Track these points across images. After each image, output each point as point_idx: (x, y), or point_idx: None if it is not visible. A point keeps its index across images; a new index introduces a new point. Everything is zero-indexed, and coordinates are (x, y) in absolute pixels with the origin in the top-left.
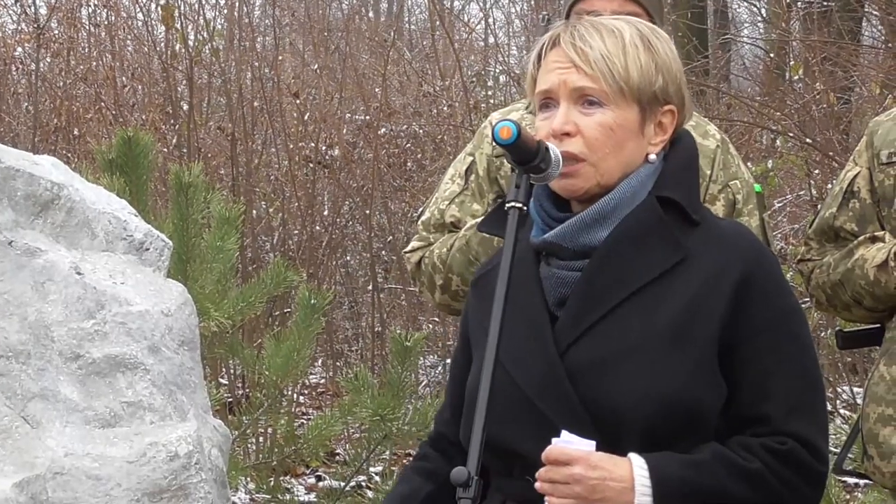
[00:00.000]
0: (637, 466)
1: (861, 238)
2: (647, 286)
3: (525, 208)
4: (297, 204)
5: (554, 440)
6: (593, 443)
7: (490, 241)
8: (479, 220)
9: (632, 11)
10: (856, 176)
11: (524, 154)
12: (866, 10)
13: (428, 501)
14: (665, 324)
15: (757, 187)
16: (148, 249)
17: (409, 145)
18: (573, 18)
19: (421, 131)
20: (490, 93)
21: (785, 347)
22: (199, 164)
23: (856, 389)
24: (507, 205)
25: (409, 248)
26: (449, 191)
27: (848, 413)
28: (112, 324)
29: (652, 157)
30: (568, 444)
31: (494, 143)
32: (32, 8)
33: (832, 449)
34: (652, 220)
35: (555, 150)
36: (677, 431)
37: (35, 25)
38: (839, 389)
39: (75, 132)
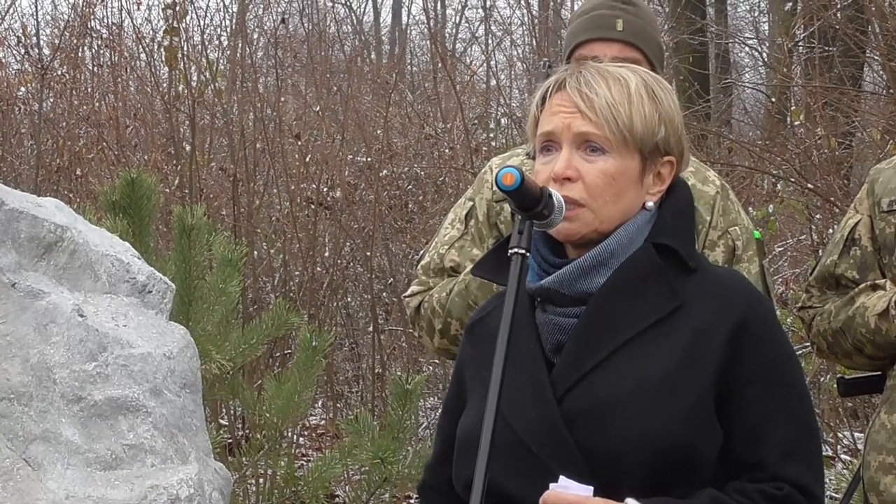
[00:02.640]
0: None
1: (862, 286)
2: (642, 333)
3: (528, 254)
4: (298, 245)
5: (551, 485)
6: (591, 488)
7: (489, 286)
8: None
9: (632, 58)
10: (857, 224)
11: (527, 200)
12: (868, 55)
13: None
14: (660, 371)
15: (756, 234)
16: (151, 292)
17: (410, 187)
18: (575, 64)
19: (422, 173)
20: (492, 135)
21: (779, 394)
22: (201, 205)
23: (857, 435)
24: (511, 251)
25: (408, 292)
26: (449, 235)
27: (849, 458)
28: (114, 366)
29: (649, 204)
30: (565, 489)
31: (496, 189)
32: (36, 48)
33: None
34: (649, 267)
35: (558, 196)
36: (673, 477)
37: (38, 65)
38: (840, 435)
39: (77, 172)
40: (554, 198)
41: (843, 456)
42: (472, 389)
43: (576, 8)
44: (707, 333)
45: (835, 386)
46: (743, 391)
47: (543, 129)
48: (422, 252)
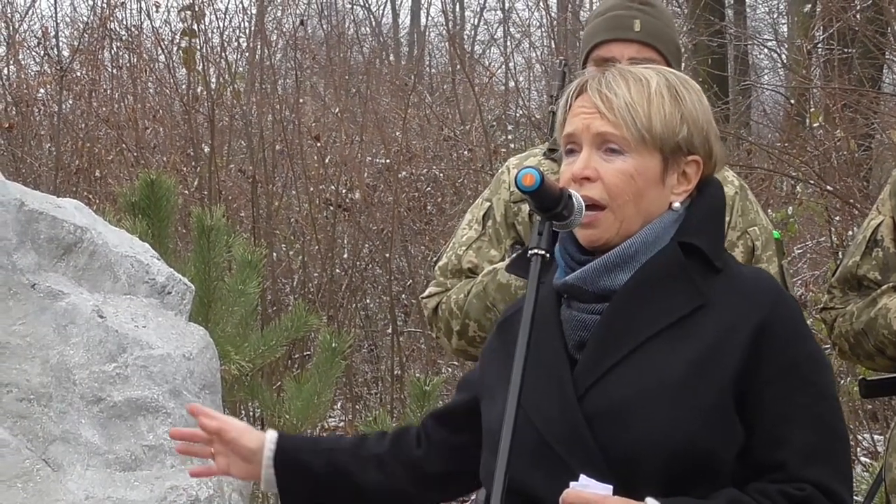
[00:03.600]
0: None
1: (884, 287)
2: (664, 331)
3: (547, 255)
4: (317, 247)
5: (571, 484)
6: (610, 487)
7: (507, 288)
8: (496, 265)
9: (649, 58)
10: (879, 225)
11: (547, 201)
12: (887, 57)
13: (374, 461)
14: (681, 369)
15: (776, 234)
16: (170, 293)
17: (429, 189)
18: (590, 66)
19: (441, 175)
20: (510, 137)
21: (801, 394)
22: (220, 207)
23: (876, 437)
24: (530, 252)
25: (426, 293)
26: (466, 236)
27: (868, 461)
28: (134, 367)
29: (676, 205)
30: (585, 487)
31: (514, 189)
32: (55, 50)
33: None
34: (673, 266)
35: (577, 197)
36: (693, 477)
37: (58, 67)
38: (859, 437)
39: (97, 174)
40: (574, 199)
41: (862, 458)
42: (498, 383)
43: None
44: (729, 332)
45: (854, 388)
46: (764, 391)
47: (566, 131)
48: (439, 253)
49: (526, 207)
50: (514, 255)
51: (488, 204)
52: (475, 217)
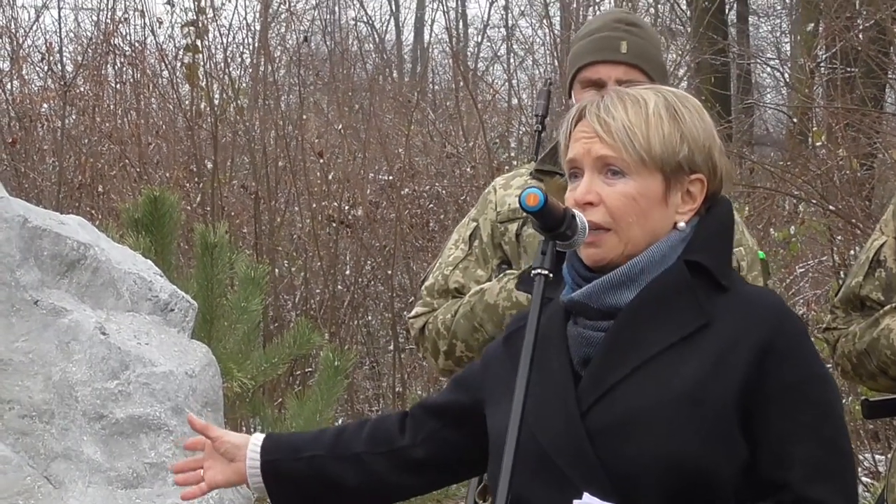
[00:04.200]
0: None
1: (887, 307)
2: (668, 348)
3: (551, 275)
4: (319, 263)
5: (574, 502)
6: None
7: (495, 308)
8: (483, 286)
9: (636, 79)
10: (882, 245)
11: (550, 221)
12: (890, 77)
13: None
14: (684, 387)
15: (760, 254)
16: (173, 310)
17: (431, 206)
18: (577, 87)
19: (444, 192)
20: (513, 154)
21: (806, 413)
22: (223, 224)
23: (878, 457)
24: (533, 272)
25: (412, 313)
26: (453, 256)
27: (869, 481)
28: (136, 384)
29: (681, 224)
30: None
31: (502, 209)
32: (59, 65)
33: None
34: (679, 284)
35: (581, 217)
36: (695, 494)
37: (61, 83)
38: (861, 457)
39: (99, 189)
40: (577, 218)
41: (864, 478)
42: (503, 395)
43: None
44: (733, 350)
45: (856, 408)
46: (767, 409)
47: (568, 157)
48: (426, 273)
49: (513, 227)
50: (523, 273)
51: (475, 224)
52: (462, 237)
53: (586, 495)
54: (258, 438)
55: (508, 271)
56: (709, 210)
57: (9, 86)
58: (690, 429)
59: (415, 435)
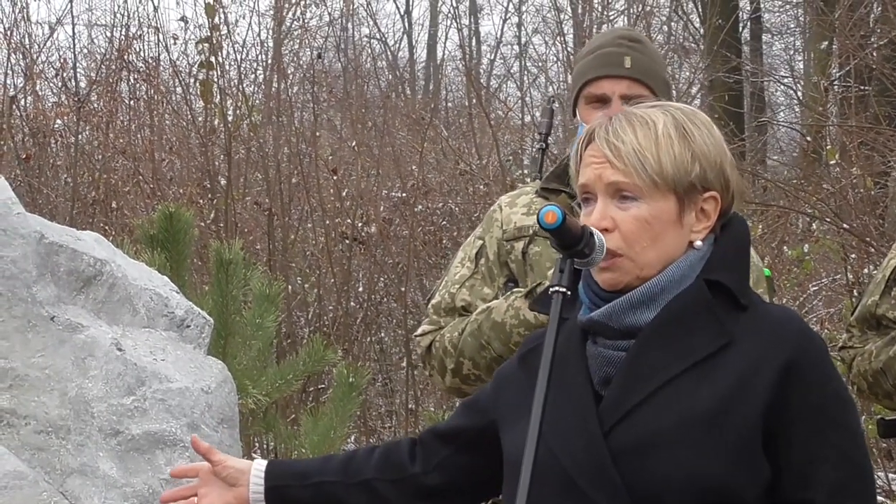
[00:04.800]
0: None
1: None
2: (690, 369)
3: (569, 293)
4: (332, 280)
5: None
6: None
7: (502, 326)
8: (490, 304)
9: (639, 94)
10: None
11: (568, 239)
12: None
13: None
14: (707, 408)
15: (766, 271)
16: (189, 326)
17: (444, 223)
18: (581, 103)
19: (457, 209)
20: (526, 171)
21: (829, 434)
22: (238, 240)
23: (892, 476)
24: (551, 290)
25: (419, 331)
26: (459, 274)
27: (883, 500)
28: (152, 400)
29: (698, 243)
30: None
31: (508, 228)
32: (73, 81)
33: None
34: (699, 303)
35: (599, 235)
36: None
37: (75, 98)
38: (875, 476)
39: (113, 205)
40: (595, 236)
41: (878, 497)
42: (520, 415)
43: None
44: (755, 371)
45: (871, 427)
46: (791, 431)
47: (580, 182)
48: (432, 291)
49: (519, 245)
50: (539, 291)
51: (480, 242)
52: (468, 255)
53: None
54: (261, 464)
55: (515, 289)
56: (724, 228)
57: (23, 102)
58: (714, 450)
59: (426, 462)
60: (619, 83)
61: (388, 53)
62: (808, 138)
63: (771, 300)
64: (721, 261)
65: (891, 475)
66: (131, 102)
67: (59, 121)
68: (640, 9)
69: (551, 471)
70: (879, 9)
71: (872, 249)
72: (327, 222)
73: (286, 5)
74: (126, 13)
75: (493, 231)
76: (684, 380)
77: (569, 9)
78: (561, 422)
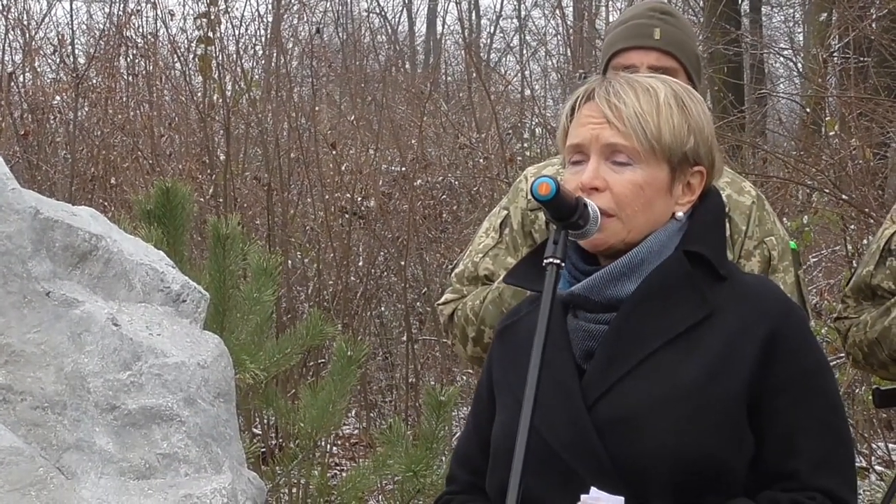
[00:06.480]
0: None
1: None
2: (673, 340)
3: (563, 264)
4: (332, 254)
5: (582, 497)
6: (621, 499)
7: (523, 294)
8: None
9: (669, 66)
10: (893, 234)
11: (563, 210)
12: None
13: None
14: (691, 379)
15: (792, 244)
16: (185, 301)
17: (444, 197)
18: (609, 73)
19: (456, 183)
20: (526, 145)
21: (811, 403)
22: (236, 215)
23: (891, 446)
24: (546, 261)
25: (442, 300)
26: (483, 244)
27: (883, 469)
28: (148, 375)
29: (679, 215)
30: (596, 500)
31: (531, 198)
32: (71, 58)
33: None
34: (679, 274)
35: (593, 206)
36: (705, 487)
37: (74, 75)
38: (874, 446)
39: (112, 181)
40: (589, 207)
41: (877, 467)
42: (502, 391)
43: (611, 18)
44: (738, 342)
45: (869, 397)
46: (775, 401)
47: (572, 141)
48: (456, 260)
49: (543, 216)
50: (513, 265)
51: (505, 212)
52: (492, 225)
53: (594, 490)
54: None
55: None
56: (701, 200)
57: (21, 78)
58: (699, 421)
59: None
60: (648, 54)
61: (388, 27)
62: (808, 110)
63: (797, 273)
64: (699, 232)
65: (891, 445)
66: (130, 78)
67: (57, 97)
68: None
69: (536, 447)
70: None
71: (872, 220)
72: (327, 197)
73: None
74: None
75: (518, 201)
76: (667, 352)
77: None
78: (544, 397)
